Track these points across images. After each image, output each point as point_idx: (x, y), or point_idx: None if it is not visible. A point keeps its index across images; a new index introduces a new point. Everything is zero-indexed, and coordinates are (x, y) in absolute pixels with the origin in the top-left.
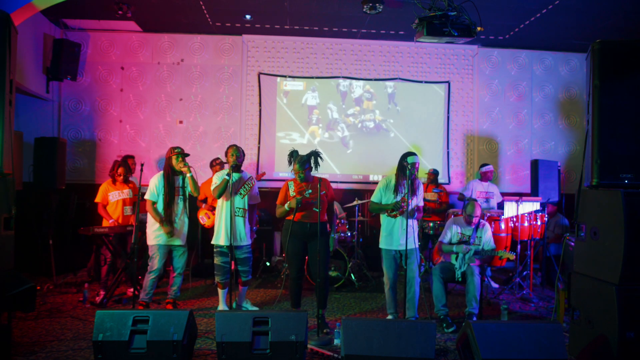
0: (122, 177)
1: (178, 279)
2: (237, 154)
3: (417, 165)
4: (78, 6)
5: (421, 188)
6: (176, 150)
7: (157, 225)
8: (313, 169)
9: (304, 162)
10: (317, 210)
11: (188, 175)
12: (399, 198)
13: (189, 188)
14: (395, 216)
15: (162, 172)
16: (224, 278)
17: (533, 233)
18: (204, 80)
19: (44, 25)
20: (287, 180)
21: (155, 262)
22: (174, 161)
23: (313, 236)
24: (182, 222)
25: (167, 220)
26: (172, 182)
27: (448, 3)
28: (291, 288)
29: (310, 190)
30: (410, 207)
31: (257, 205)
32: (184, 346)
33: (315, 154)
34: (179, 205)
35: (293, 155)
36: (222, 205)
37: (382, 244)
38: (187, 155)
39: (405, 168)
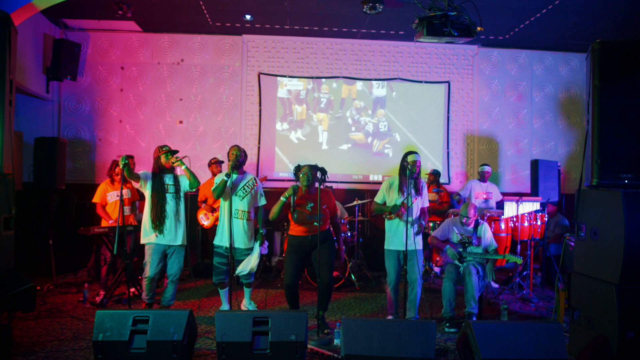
0: (120, 177)
1: (171, 287)
2: (237, 154)
3: (418, 164)
4: (78, 6)
5: (425, 189)
6: (164, 149)
7: (149, 223)
8: (319, 177)
9: (313, 167)
10: (318, 224)
11: (182, 167)
12: (403, 199)
13: (186, 184)
14: (391, 218)
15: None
16: (219, 279)
17: (533, 233)
18: (204, 80)
19: (44, 25)
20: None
21: (147, 269)
22: (163, 159)
23: (316, 246)
24: (175, 222)
25: (156, 220)
26: (161, 181)
27: (448, 3)
28: (286, 295)
29: (312, 204)
30: (414, 208)
31: (262, 207)
32: (184, 346)
33: (323, 170)
34: (171, 205)
35: (300, 167)
36: (222, 205)
37: (386, 245)
38: (176, 152)
39: (406, 168)
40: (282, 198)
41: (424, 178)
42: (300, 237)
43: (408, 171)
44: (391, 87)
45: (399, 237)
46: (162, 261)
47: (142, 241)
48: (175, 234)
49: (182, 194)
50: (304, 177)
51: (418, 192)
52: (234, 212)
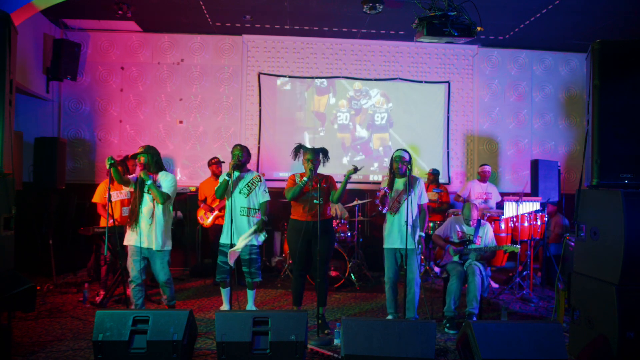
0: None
1: (164, 290)
2: (238, 154)
3: (404, 159)
4: (78, 6)
5: (420, 185)
6: (139, 150)
7: (132, 224)
8: (321, 163)
9: (316, 152)
10: (319, 202)
11: (147, 182)
12: (394, 195)
13: (165, 185)
14: (381, 209)
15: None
16: (221, 277)
17: (533, 233)
18: (204, 80)
19: (44, 25)
20: (291, 175)
21: (131, 270)
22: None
23: (318, 235)
24: (152, 224)
25: (133, 219)
26: (143, 182)
27: (448, 3)
28: (294, 285)
29: (309, 182)
30: (407, 205)
31: (266, 202)
32: (184, 346)
33: (324, 151)
34: (148, 206)
35: (302, 147)
36: (227, 204)
37: (384, 243)
38: (148, 154)
39: (391, 165)
40: (300, 183)
41: (423, 177)
42: (303, 222)
43: (396, 167)
44: (386, 96)
45: (394, 234)
46: (144, 263)
47: (124, 242)
48: (152, 237)
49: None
50: (309, 165)
51: (410, 187)
52: (240, 210)
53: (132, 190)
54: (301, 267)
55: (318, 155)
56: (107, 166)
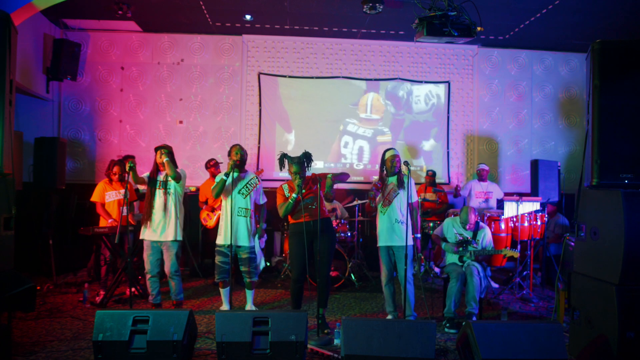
0: (117, 177)
1: (172, 282)
2: (241, 153)
3: (397, 158)
4: (78, 6)
5: (412, 183)
6: (161, 146)
7: (145, 220)
8: (307, 169)
9: (301, 163)
10: (317, 206)
11: (165, 160)
12: (387, 189)
13: (172, 182)
14: (374, 201)
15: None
16: (221, 277)
17: (533, 233)
18: (204, 80)
19: (44, 25)
20: (280, 184)
21: (146, 263)
22: (157, 156)
23: (318, 234)
24: (165, 218)
25: (146, 214)
26: (155, 179)
27: (448, 3)
28: (292, 290)
29: (304, 190)
30: (398, 202)
31: (264, 204)
32: (184, 346)
33: (308, 155)
34: (159, 201)
35: (287, 157)
36: (224, 204)
37: (378, 242)
38: (167, 149)
39: (384, 164)
40: (290, 200)
41: (421, 176)
42: (302, 223)
43: (390, 165)
44: (385, 96)
45: (386, 232)
46: (158, 256)
47: (140, 236)
48: (165, 230)
49: (171, 191)
50: (297, 180)
51: (401, 185)
52: (238, 211)
53: (144, 188)
54: (299, 272)
55: (304, 165)
56: (127, 169)
